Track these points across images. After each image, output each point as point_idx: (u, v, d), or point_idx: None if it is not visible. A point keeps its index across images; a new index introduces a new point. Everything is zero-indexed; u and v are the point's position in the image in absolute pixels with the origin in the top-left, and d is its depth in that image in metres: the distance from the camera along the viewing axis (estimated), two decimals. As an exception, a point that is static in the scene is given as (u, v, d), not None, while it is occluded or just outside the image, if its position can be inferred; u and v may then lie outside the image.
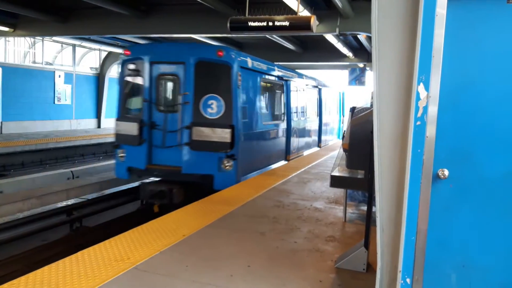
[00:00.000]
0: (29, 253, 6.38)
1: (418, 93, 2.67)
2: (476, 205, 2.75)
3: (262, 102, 10.15)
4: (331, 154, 13.14)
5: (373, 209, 3.41)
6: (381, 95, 2.81)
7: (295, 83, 12.39)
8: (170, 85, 8.54)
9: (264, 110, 10.23)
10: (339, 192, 7.20)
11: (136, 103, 8.55)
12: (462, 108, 2.73)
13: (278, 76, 11.10)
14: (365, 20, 10.95)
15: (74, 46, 20.39)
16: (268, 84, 10.77)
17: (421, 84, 2.66)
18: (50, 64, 19.81)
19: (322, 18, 11.06)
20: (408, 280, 2.80)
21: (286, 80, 11.67)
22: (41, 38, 18.48)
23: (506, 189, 2.70)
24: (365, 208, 4.88)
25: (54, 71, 19.28)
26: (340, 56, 17.85)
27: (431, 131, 2.69)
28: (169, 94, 8.55)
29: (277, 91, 11.37)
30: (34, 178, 10.70)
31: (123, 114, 8.70)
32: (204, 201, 6.57)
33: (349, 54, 17.24)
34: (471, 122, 2.72)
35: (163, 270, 3.86)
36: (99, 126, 21.72)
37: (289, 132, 11.73)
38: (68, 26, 13.69)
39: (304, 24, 8.84)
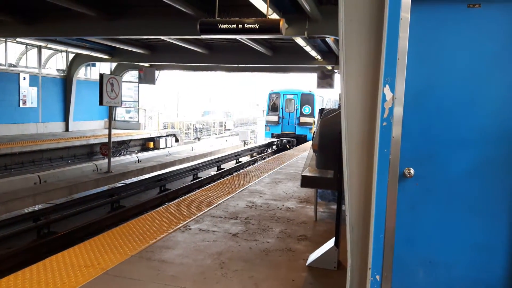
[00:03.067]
0: (-6, 262, 6.17)
1: (384, 95, 2.74)
2: (440, 203, 2.85)
3: (320, 106, 20.72)
4: (302, 155, 13.28)
5: (343, 207, 3.47)
6: (348, 97, 2.87)
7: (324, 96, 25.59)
8: (291, 102, 22.45)
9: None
10: (310, 191, 7.29)
11: (276, 108, 22.63)
12: (427, 109, 2.82)
13: (320, 96, 23.99)
14: (332, 24, 11.12)
15: (39, 47, 19.82)
16: (320, 99, 23.73)
17: (387, 86, 2.73)
18: (14, 66, 19.20)
19: (291, 22, 11.15)
20: (377, 277, 2.87)
21: (322, 96, 24.81)
22: (4, 39, 17.88)
23: (468, 187, 2.80)
24: (335, 207, 4.96)
25: (19, 73, 18.66)
26: (309, 59, 18.04)
27: (397, 131, 2.76)
28: (290, 105, 22.46)
29: (320, 101, 23.88)
30: (-2, 183, 10.34)
31: (270, 112, 22.74)
32: (176, 204, 6.52)
33: (318, 57, 17.45)
34: (435, 122, 2.82)
35: (134, 275, 3.82)
36: (67, 130, 21.18)
37: None
38: (34, 27, 13.29)
39: (274, 27, 8.91)
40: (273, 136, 22.50)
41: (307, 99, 22.37)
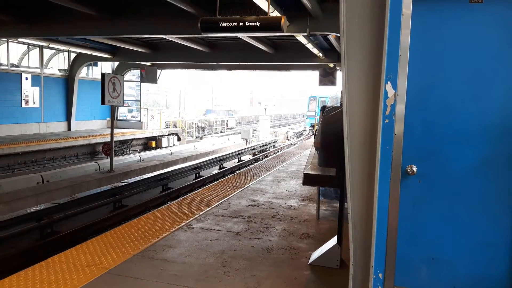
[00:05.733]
0: (-3, 261, 6.17)
1: (386, 92, 2.72)
2: (443, 200, 2.83)
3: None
4: (304, 153, 13.27)
5: (345, 205, 3.46)
6: (350, 94, 2.86)
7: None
8: (322, 102, 30.74)
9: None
10: (312, 189, 7.27)
11: (314, 107, 33.50)
12: (429, 105, 2.80)
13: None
14: (334, 21, 11.07)
15: (41, 47, 19.83)
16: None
17: (389, 82, 2.71)
18: (16, 66, 19.22)
19: (292, 19, 11.12)
20: (380, 275, 2.86)
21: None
22: (5, 40, 17.89)
23: (471, 185, 2.78)
24: (337, 205, 4.95)
25: (21, 73, 18.67)
26: (311, 56, 17.98)
27: (399, 128, 2.75)
28: (321, 104, 27.09)
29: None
30: (0, 183, 10.36)
31: (309, 109, 34.86)
32: (178, 203, 6.52)
33: (320, 54, 17.39)
34: (438, 120, 2.80)
35: (136, 274, 3.81)
36: (69, 129, 21.20)
37: None
38: (35, 27, 13.29)
39: (275, 25, 8.88)
40: (311, 125, 31.42)
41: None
